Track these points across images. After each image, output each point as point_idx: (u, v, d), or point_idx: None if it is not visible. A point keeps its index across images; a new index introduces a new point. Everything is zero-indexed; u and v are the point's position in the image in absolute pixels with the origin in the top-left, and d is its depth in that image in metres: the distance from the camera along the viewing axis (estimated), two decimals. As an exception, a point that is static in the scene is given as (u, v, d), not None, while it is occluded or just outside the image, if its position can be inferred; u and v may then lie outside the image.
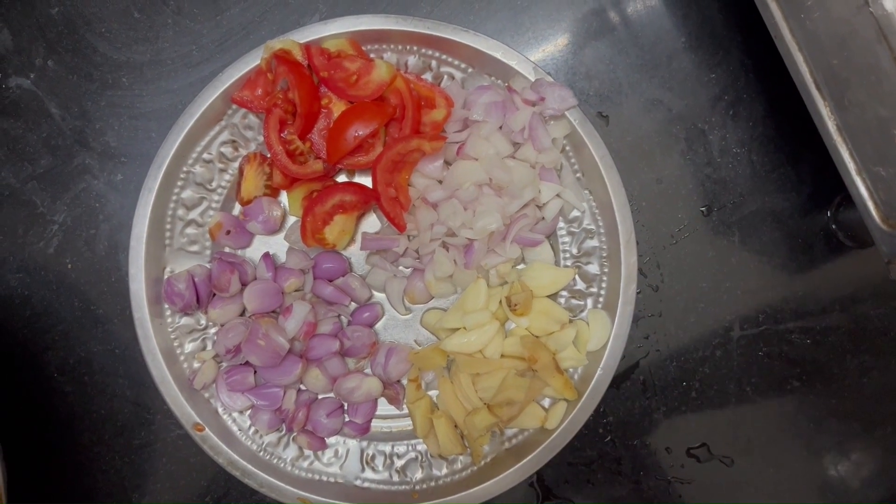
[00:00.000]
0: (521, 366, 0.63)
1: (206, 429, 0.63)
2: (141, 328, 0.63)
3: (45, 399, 0.67)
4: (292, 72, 0.62)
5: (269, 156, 0.65)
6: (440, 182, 0.65)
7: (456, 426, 0.64)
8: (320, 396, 0.66)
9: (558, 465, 0.68)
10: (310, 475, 0.65)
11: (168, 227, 0.65)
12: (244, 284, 0.64)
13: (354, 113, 0.63)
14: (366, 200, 0.64)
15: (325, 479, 0.65)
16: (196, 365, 0.65)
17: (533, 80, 0.64)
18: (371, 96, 0.64)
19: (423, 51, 0.66)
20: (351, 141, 0.63)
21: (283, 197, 0.67)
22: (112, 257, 0.67)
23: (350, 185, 0.64)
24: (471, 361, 0.63)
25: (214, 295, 0.64)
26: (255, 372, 0.64)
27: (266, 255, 0.65)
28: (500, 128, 0.65)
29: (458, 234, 0.64)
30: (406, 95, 0.64)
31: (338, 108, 0.64)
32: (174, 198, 0.65)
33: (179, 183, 0.65)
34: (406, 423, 0.67)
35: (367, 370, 0.67)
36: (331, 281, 0.66)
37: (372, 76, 0.63)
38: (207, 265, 0.65)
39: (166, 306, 0.64)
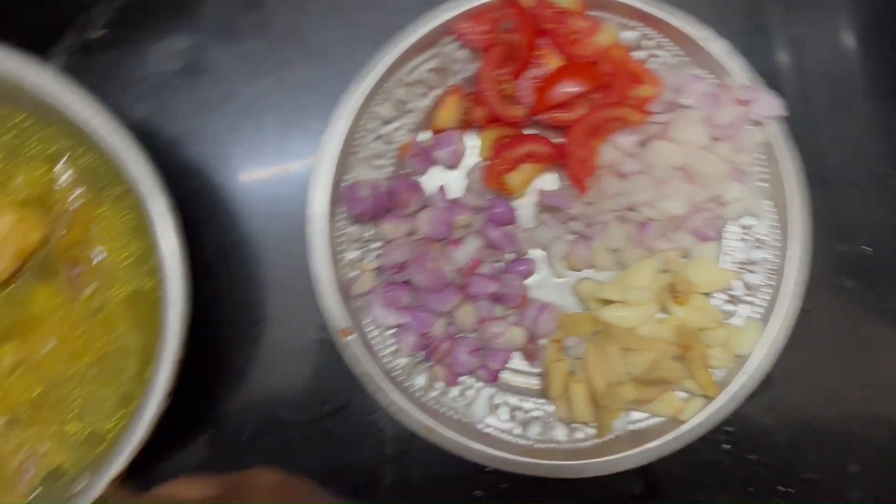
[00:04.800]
0: (673, 351, 0.63)
1: (352, 335, 0.64)
2: (313, 224, 0.64)
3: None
4: (521, 16, 0.64)
5: (470, 91, 0.66)
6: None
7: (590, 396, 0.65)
8: (459, 335, 0.67)
9: (672, 460, 0.68)
10: (436, 407, 0.65)
11: (358, 136, 0.66)
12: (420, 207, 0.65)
13: (571, 70, 0.64)
14: (557, 157, 0.65)
15: (450, 414, 0.65)
16: (353, 273, 0.65)
17: (744, 81, 0.65)
18: (587, 58, 0.65)
19: (642, 28, 0.67)
20: (560, 95, 0.64)
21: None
22: (295, 151, 0.68)
23: (546, 140, 0.65)
24: (626, 335, 0.63)
25: (388, 211, 0.65)
26: (411, 294, 0.65)
27: (442, 187, 0.66)
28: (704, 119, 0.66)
29: (639, 210, 0.64)
30: (621, 65, 0.65)
31: (551, 61, 0.65)
32: (371, 110, 0.66)
33: (380, 97, 0.66)
34: (531, 382, 0.67)
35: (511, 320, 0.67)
36: (499, 226, 0.67)
37: (594, 39, 0.65)
38: (385, 181, 0.66)
39: (338, 211, 0.65)
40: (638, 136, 0.66)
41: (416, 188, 0.64)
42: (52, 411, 0.55)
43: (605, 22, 0.66)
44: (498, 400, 0.67)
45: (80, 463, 0.54)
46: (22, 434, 0.54)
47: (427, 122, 0.68)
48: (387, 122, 0.67)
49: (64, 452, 0.54)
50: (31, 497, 0.53)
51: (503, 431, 0.66)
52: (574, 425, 0.66)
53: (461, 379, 0.66)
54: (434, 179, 0.68)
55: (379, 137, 0.67)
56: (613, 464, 0.64)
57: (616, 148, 0.66)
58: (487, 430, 0.66)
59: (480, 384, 0.67)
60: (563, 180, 0.68)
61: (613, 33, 0.64)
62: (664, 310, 0.66)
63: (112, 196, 0.56)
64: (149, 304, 0.55)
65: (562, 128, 0.66)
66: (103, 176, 0.56)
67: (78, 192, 0.56)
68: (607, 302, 0.66)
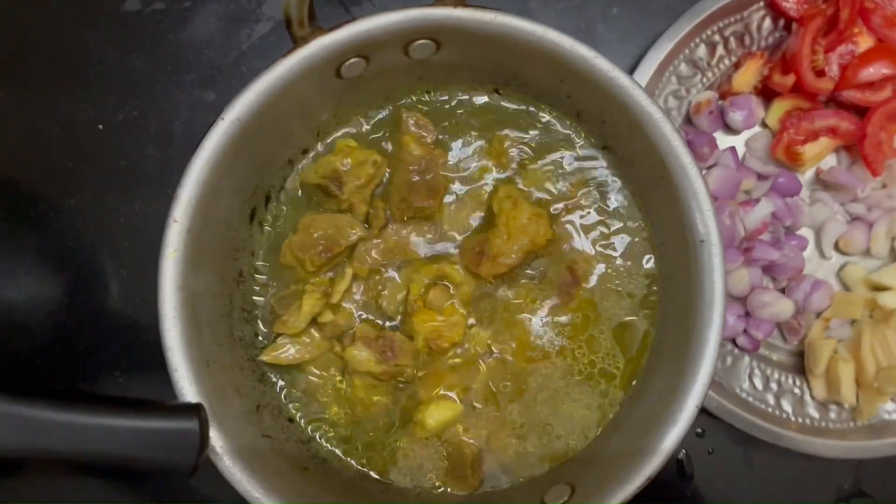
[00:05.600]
0: (954, 345, 0.63)
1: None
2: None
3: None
4: (848, -9, 0.63)
5: (772, 58, 0.66)
6: (919, 148, 0.66)
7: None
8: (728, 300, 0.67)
9: (885, 461, 0.67)
10: (698, 365, 0.65)
11: (658, 88, 0.66)
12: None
13: (885, 52, 0.64)
14: (858, 137, 0.65)
15: (710, 375, 0.66)
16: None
17: None
18: (903, 42, 0.64)
19: (951, 22, 0.67)
20: (871, 75, 0.64)
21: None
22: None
23: (850, 116, 0.65)
24: (909, 321, 0.63)
25: (678, 164, 0.65)
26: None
27: (732, 149, 0.66)
28: None
29: (931, 200, 0.64)
30: (937, 54, 0.64)
31: (864, 41, 0.65)
32: (672, 66, 0.66)
33: (683, 55, 0.66)
34: (783, 357, 0.67)
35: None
36: (783, 197, 0.66)
37: (916, 24, 0.64)
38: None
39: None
40: (936, 128, 0.65)
41: (715, 145, 0.64)
42: (511, 412, 0.54)
43: (924, 11, 0.66)
44: (755, 370, 0.67)
45: (526, 469, 0.53)
46: (480, 426, 0.53)
47: (717, 83, 0.68)
48: (683, 78, 0.67)
49: (511, 456, 0.53)
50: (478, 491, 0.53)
51: (759, 401, 0.66)
52: (829, 405, 0.66)
53: (720, 342, 0.66)
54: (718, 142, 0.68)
55: (673, 92, 0.67)
56: (846, 450, 0.64)
57: (911, 136, 0.66)
58: (743, 395, 0.66)
59: (738, 351, 0.67)
60: (842, 161, 0.68)
61: (935, 21, 0.64)
62: (937, 304, 0.66)
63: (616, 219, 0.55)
64: (631, 340, 0.54)
65: (859, 108, 0.66)
66: (612, 196, 0.55)
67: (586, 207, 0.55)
68: (880, 288, 0.66)
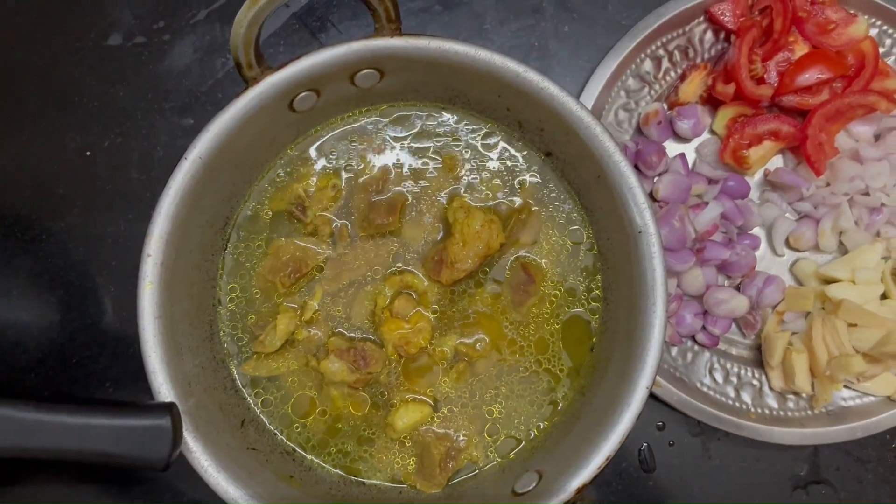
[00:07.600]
0: (899, 331, 0.66)
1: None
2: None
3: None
4: (780, 2, 0.68)
5: (715, 69, 0.70)
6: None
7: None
8: (685, 298, 0.70)
9: (838, 450, 0.69)
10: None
11: (608, 102, 0.70)
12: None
13: (820, 57, 0.68)
14: (800, 138, 0.68)
15: (672, 371, 0.68)
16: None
17: (982, 85, 0.68)
18: (837, 48, 0.68)
19: (879, 25, 0.71)
20: (808, 80, 0.68)
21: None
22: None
23: (790, 119, 0.69)
24: (856, 311, 0.66)
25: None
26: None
27: (682, 156, 0.70)
28: (941, 116, 0.69)
29: (872, 194, 0.68)
30: (870, 57, 0.68)
31: (800, 48, 0.69)
32: (620, 81, 0.71)
33: (630, 70, 0.71)
34: (742, 351, 0.70)
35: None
36: (732, 199, 0.70)
37: (848, 30, 0.68)
38: (629, 144, 0.70)
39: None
40: (873, 127, 0.69)
41: (664, 153, 0.68)
42: (477, 410, 0.57)
43: (859, 15, 0.70)
44: (714, 364, 0.69)
45: (491, 463, 0.57)
46: (449, 425, 0.57)
47: (665, 95, 0.72)
48: (631, 91, 0.71)
49: (480, 451, 0.57)
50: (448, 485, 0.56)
51: (719, 394, 0.68)
52: (787, 395, 0.69)
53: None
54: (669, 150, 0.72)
55: (624, 106, 0.71)
56: (803, 437, 0.67)
57: (851, 136, 0.69)
58: (704, 389, 0.68)
59: (697, 347, 0.70)
60: (788, 162, 0.72)
61: (867, 26, 0.68)
62: (884, 294, 0.69)
63: (561, 218, 0.59)
64: (584, 330, 0.58)
65: (799, 111, 0.70)
66: (556, 197, 0.59)
67: (534, 207, 0.59)
68: (830, 281, 0.69)
